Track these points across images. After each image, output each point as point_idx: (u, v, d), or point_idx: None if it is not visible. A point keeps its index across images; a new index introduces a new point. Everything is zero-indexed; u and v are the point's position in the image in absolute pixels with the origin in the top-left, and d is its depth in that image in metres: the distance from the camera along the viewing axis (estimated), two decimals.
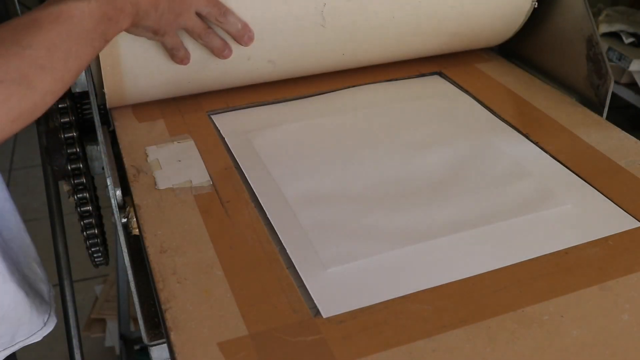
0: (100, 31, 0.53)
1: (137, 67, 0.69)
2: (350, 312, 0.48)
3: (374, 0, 0.74)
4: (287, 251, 0.54)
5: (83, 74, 0.73)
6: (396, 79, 0.83)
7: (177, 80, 0.72)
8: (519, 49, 0.88)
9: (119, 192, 0.60)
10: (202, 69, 0.71)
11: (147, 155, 0.65)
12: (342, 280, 0.51)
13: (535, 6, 0.82)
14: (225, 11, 0.66)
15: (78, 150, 0.72)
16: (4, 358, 0.63)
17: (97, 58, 0.66)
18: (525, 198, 0.60)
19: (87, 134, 0.74)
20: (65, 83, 0.49)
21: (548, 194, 0.61)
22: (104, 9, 0.53)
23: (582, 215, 0.58)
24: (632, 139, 0.69)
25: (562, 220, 0.58)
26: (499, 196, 0.61)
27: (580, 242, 0.55)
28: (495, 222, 0.57)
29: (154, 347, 0.62)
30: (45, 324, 0.65)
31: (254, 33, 0.69)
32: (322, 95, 0.79)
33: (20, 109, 0.45)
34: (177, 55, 0.67)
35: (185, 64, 0.68)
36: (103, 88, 0.69)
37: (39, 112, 0.48)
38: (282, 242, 0.55)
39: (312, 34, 0.74)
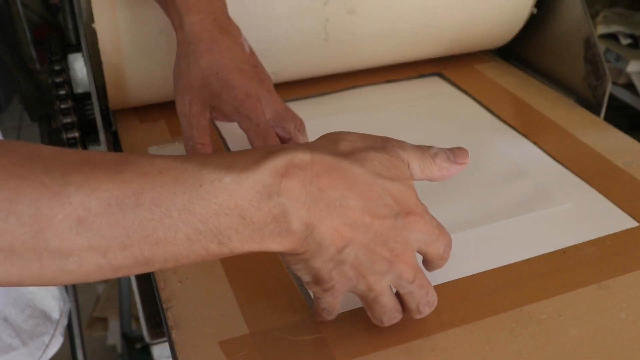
0: (217, 226, 0.34)
1: (141, 77, 0.69)
2: (350, 311, 0.48)
3: (375, 13, 0.75)
4: None
5: (84, 74, 0.73)
6: (395, 80, 0.83)
7: None
8: (518, 50, 0.89)
9: None
10: None
11: None
12: None
13: (534, 13, 0.83)
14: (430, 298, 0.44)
15: None
16: None
17: (100, 64, 0.66)
18: (524, 198, 0.61)
19: (89, 135, 0.74)
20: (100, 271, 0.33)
21: (546, 193, 0.61)
22: (252, 197, 0.34)
23: (580, 215, 0.59)
24: (630, 139, 0.70)
25: (560, 220, 0.58)
26: (497, 196, 0.61)
27: (578, 242, 0.55)
28: (493, 221, 0.58)
29: (155, 345, 0.63)
30: (47, 346, 0.61)
31: (261, 51, 0.66)
32: (321, 97, 0.79)
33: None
34: (323, 315, 0.44)
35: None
36: (106, 89, 0.69)
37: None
38: None
39: (316, 48, 0.74)
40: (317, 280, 0.40)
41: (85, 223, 0.31)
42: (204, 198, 0.33)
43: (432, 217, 0.42)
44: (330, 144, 0.40)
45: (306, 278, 0.40)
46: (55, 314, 0.65)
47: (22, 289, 0.62)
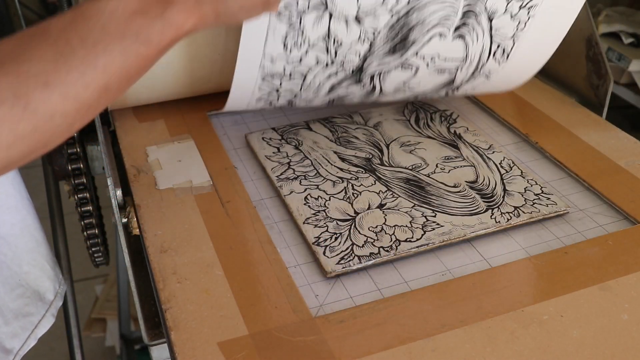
0: (134, 30, 0.42)
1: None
2: (350, 311, 0.48)
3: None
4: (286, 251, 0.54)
5: None
6: None
7: (179, 92, 0.72)
8: None
9: (119, 192, 0.60)
10: (206, 82, 0.71)
11: (148, 155, 0.65)
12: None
13: None
14: None
15: (78, 150, 0.72)
16: None
17: None
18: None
19: (87, 134, 0.74)
20: (84, 101, 0.41)
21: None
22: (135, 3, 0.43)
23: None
24: (632, 139, 0.70)
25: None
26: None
27: (580, 241, 0.55)
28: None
29: (154, 346, 0.63)
30: (36, 326, 0.62)
31: None
32: None
33: (16, 134, 0.39)
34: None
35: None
36: None
37: (48, 136, 0.41)
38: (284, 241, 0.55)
39: None
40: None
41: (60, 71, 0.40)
42: (112, 13, 0.42)
43: None
44: None
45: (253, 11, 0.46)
46: (50, 295, 0.65)
47: (16, 268, 0.62)
